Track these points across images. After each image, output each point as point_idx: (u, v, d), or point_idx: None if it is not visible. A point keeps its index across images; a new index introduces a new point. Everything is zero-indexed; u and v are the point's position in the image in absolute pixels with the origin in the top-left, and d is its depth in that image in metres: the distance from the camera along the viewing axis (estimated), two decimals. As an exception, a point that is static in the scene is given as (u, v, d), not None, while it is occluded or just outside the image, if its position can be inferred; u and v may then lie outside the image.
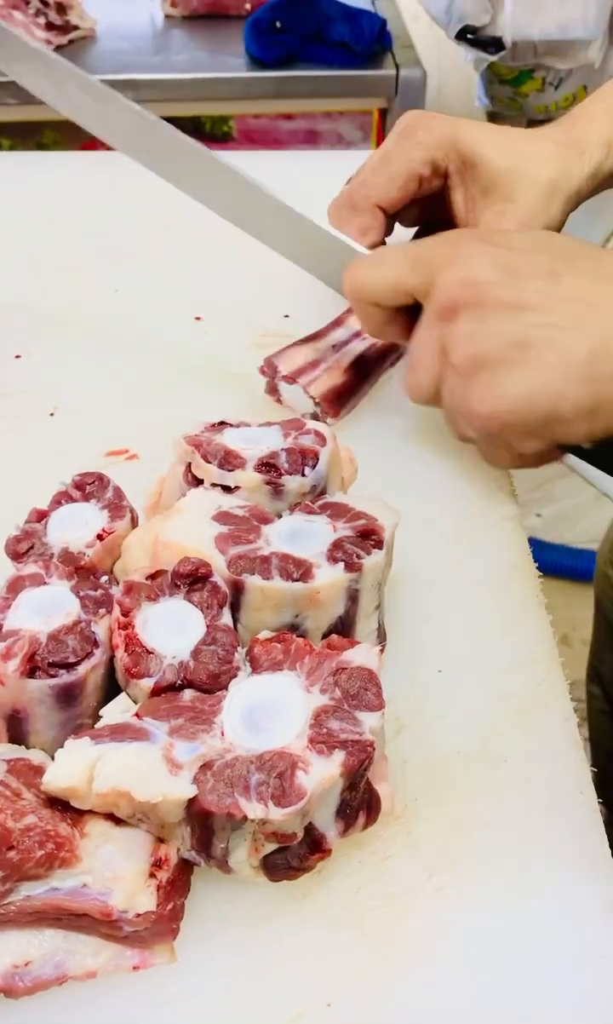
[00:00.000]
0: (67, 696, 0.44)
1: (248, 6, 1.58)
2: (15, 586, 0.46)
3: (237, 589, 0.47)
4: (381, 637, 0.51)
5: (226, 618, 0.46)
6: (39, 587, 0.46)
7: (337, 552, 0.48)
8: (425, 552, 0.57)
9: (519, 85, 1.66)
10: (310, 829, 0.42)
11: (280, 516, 0.51)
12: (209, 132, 1.81)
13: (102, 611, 0.46)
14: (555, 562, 1.75)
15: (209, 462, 0.52)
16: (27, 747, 0.45)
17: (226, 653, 0.45)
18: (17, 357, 0.72)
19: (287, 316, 0.75)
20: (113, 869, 0.41)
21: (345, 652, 0.44)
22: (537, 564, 0.58)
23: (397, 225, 0.69)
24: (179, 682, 0.44)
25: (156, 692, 0.44)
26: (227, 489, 0.51)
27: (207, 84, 1.48)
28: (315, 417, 0.65)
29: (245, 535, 0.48)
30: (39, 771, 0.43)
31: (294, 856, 0.42)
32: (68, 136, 1.71)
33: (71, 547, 0.49)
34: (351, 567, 0.47)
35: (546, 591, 0.57)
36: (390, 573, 0.51)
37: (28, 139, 1.67)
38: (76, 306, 0.77)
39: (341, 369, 0.66)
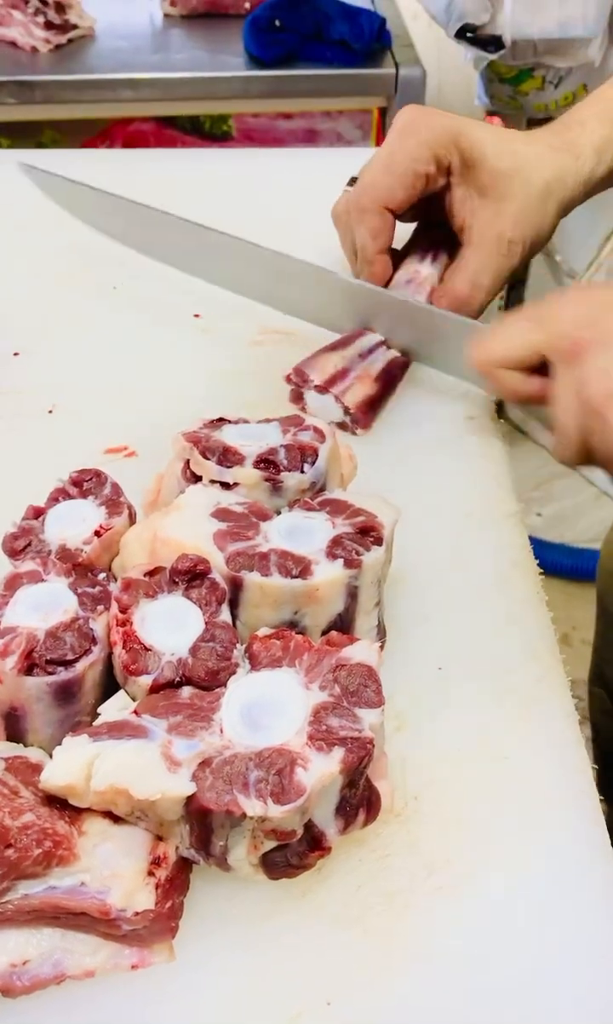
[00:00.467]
0: (65, 693, 0.44)
1: (247, 5, 1.58)
2: (13, 583, 0.46)
3: (236, 586, 0.47)
4: (381, 634, 0.51)
5: (225, 615, 0.46)
6: (37, 584, 0.46)
7: (336, 549, 0.48)
8: (425, 549, 0.57)
9: (519, 84, 1.66)
10: (309, 826, 0.41)
11: (279, 513, 0.50)
12: (208, 131, 1.81)
13: (100, 608, 0.46)
14: (555, 561, 1.75)
15: (208, 459, 0.51)
16: (25, 745, 0.45)
17: (225, 650, 0.44)
18: (16, 355, 0.72)
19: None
20: (111, 867, 0.41)
21: (344, 649, 0.44)
22: (538, 564, 0.58)
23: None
24: (178, 679, 0.44)
25: (154, 689, 0.44)
26: (226, 486, 0.51)
27: (206, 83, 1.48)
28: (343, 427, 0.65)
29: (244, 532, 0.48)
30: (37, 769, 0.42)
31: (293, 854, 0.42)
32: (68, 136, 1.71)
33: (68, 544, 0.48)
34: (350, 564, 0.47)
35: (546, 590, 0.57)
36: (390, 570, 0.51)
37: (28, 139, 1.67)
38: (75, 304, 0.77)
39: (371, 378, 0.65)
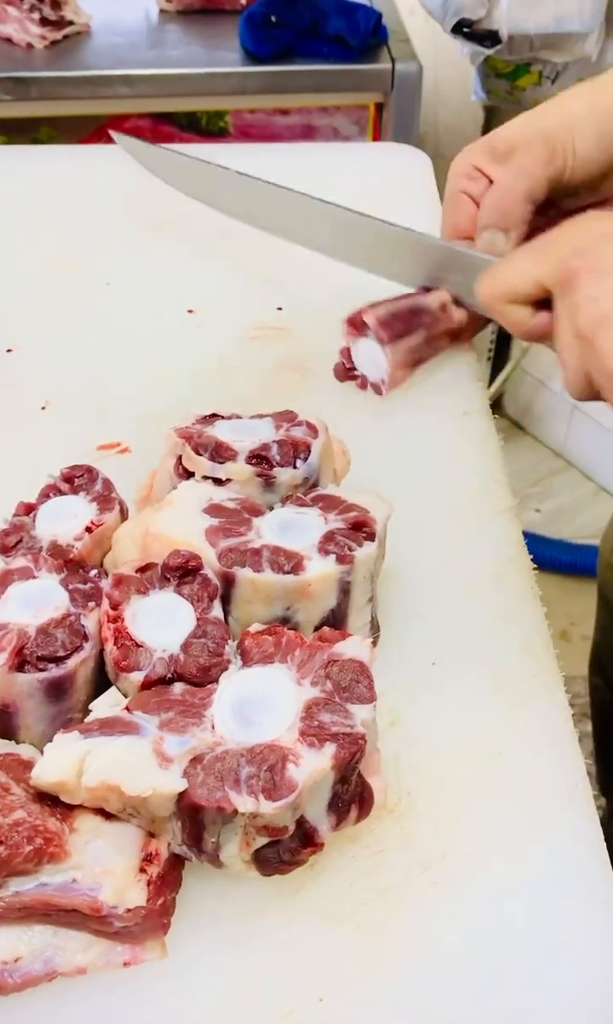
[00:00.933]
0: (56, 690, 0.44)
1: (243, 0, 1.58)
2: (4, 580, 0.46)
3: (228, 582, 0.46)
4: (374, 630, 0.51)
5: (217, 611, 0.46)
6: (28, 580, 0.46)
7: (328, 544, 0.47)
8: (419, 545, 0.57)
9: (516, 79, 1.65)
10: (302, 823, 0.41)
11: (272, 508, 0.50)
12: (205, 127, 1.80)
13: (92, 604, 0.45)
14: (554, 557, 1.75)
15: (200, 454, 0.51)
16: (16, 742, 0.45)
17: (216, 646, 0.44)
18: (9, 351, 0.72)
19: (280, 309, 0.74)
20: (103, 864, 0.40)
21: (336, 644, 0.44)
22: (536, 559, 0.58)
23: None
24: (169, 675, 0.44)
25: (146, 685, 0.44)
26: (218, 482, 0.51)
27: (202, 79, 1.47)
28: (372, 386, 0.67)
29: (236, 528, 0.48)
30: (28, 766, 0.42)
31: (286, 850, 0.42)
32: (64, 133, 1.71)
33: (60, 540, 0.48)
34: (342, 559, 0.47)
35: (545, 586, 0.57)
36: (383, 566, 0.51)
37: (24, 135, 1.67)
38: (68, 300, 0.77)
39: (424, 340, 0.66)
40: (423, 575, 0.56)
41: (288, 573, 0.46)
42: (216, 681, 0.43)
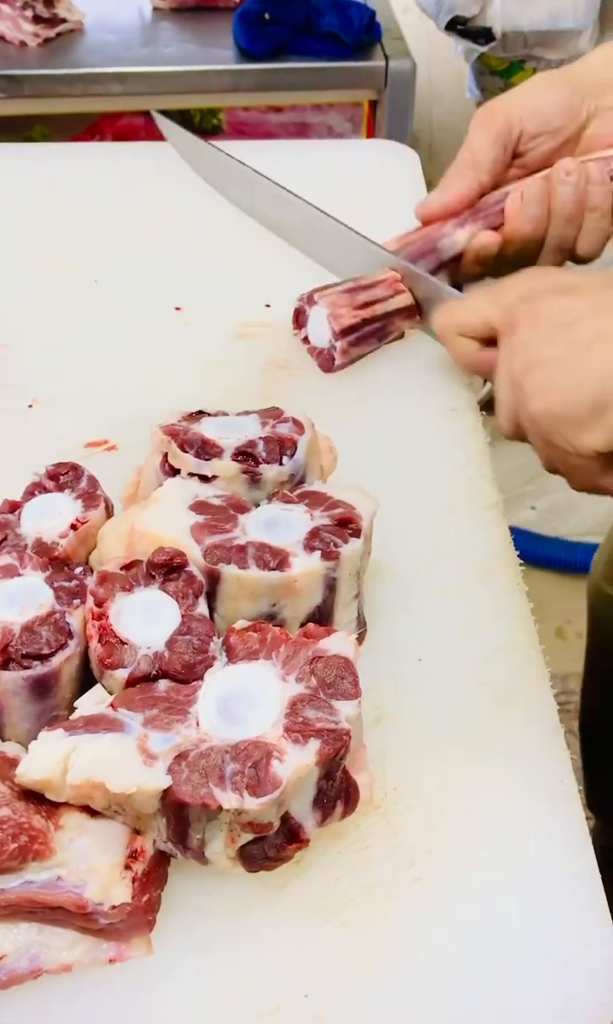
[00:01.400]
0: (41, 688, 0.44)
1: (236, -2, 1.57)
2: (-11, 577, 0.46)
3: (213, 579, 0.46)
4: (361, 626, 0.51)
5: (202, 608, 0.46)
6: (13, 578, 0.46)
7: (314, 541, 0.47)
8: (406, 541, 0.57)
9: (510, 76, 1.65)
10: (287, 819, 0.41)
11: (258, 505, 0.50)
12: (198, 125, 1.80)
13: (76, 602, 0.45)
14: (549, 555, 1.74)
15: (186, 451, 0.51)
16: (1, 739, 0.45)
17: (201, 643, 0.44)
18: (-2, 349, 0.72)
19: (268, 306, 0.74)
20: (88, 861, 0.40)
21: (321, 640, 0.44)
22: (531, 557, 0.58)
23: None
24: (154, 672, 0.44)
25: (131, 683, 0.44)
26: (204, 478, 0.51)
27: (196, 77, 1.47)
28: (323, 361, 0.68)
29: (221, 524, 0.48)
30: (13, 763, 0.42)
31: (271, 846, 0.42)
32: (58, 131, 1.71)
33: (45, 537, 0.48)
34: (328, 555, 0.47)
35: (540, 584, 0.57)
36: (369, 562, 0.51)
37: (17, 133, 1.66)
38: (56, 298, 0.77)
39: (368, 313, 0.68)
40: (410, 571, 0.56)
41: (273, 569, 0.46)
42: (201, 678, 0.43)
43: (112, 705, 0.42)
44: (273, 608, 0.47)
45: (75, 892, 0.40)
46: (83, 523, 0.49)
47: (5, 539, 0.48)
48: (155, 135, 0.92)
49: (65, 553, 0.48)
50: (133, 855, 0.41)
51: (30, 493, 0.50)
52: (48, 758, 0.40)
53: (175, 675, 0.43)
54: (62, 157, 0.96)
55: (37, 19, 1.48)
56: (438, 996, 0.41)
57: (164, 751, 0.41)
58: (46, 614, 0.45)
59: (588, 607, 1.06)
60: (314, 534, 0.48)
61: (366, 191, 0.86)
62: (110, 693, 0.44)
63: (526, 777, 0.47)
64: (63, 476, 0.51)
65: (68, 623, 0.45)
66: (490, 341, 0.61)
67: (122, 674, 0.43)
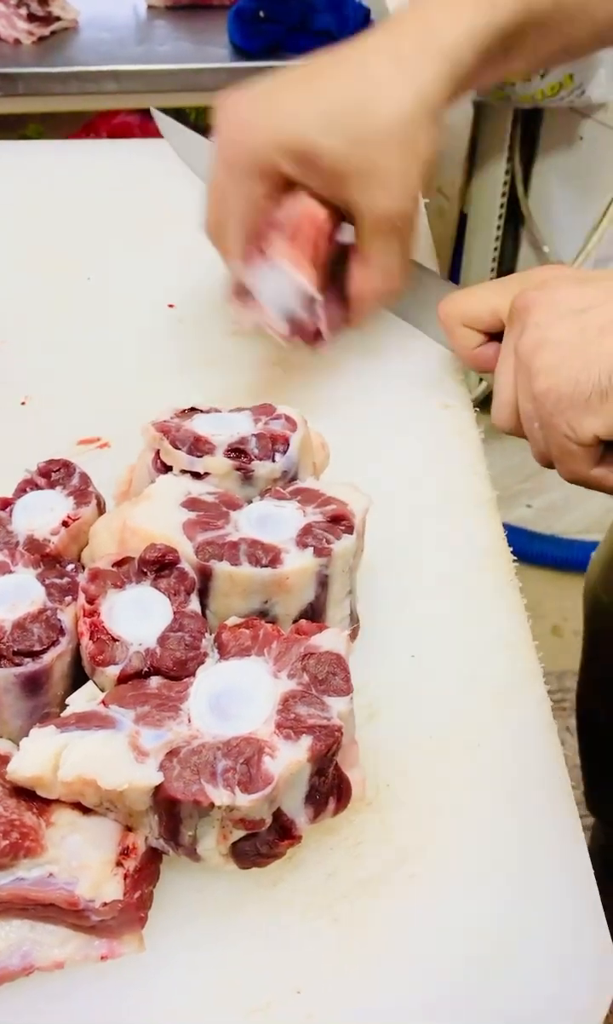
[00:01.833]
0: (33, 685, 0.44)
1: (231, -4, 1.57)
2: (-20, 574, 0.46)
3: (205, 575, 0.46)
4: (354, 623, 0.51)
5: (194, 604, 0.45)
6: (4, 575, 0.46)
7: (306, 537, 0.47)
8: (399, 537, 0.57)
9: (505, 74, 1.65)
10: (279, 815, 0.41)
11: (250, 502, 0.50)
12: (194, 123, 1.79)
13: (68, 599, 0.45)
14: (546, 553, 1.75)
15: (178, 448, 0.51)
16: (-7, 737, 0.45)
17: (193, 640, 0.44)
18: (-9, 346, 0.72)
19: (262, 303, 0.74)
20: (80, 858, 0.40)
21: (313, 637, 0.44)
22: (528, 555, 0.58)
23: None
24: (146, 669, 0.44)
25: (123, 679, 0.43)
26: (197, 475, 0.51)
27: (191, 75, 1.47)
28: (299, 329, 0.60)
29: (214, 521, 0.48)
30: (4, 760, 0.42)
31: (263, 843, 0.41)
32: (52, 129, 1.70)
33: (36, 535, 0.48)
34: (320, 552, 0.47)
35: (536, 582, 0.57)
36: (362, 558, 0.51)
37: (11, 132, 1.66)
38: (48, 295, 0.76)
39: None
40: (403, 568, 0.56)
41: (266, 566, 0.46)
42: (193, 675, 0.43)
43: (104, 702, 0.42)
44: (265, 605, 0.47)
45: (67, 889, 0.40)
46: (75, 520, 0.49)
47: (-4, 536, 0.48)
48: (150, 133, 0.92)
49: (57, 550, 0.48)
50: (125, 852, 0.41)
51: (21, 490, 0.50)
52: (39, 755, 0.40)
53: (167, 672, 0.43)
54: (57, 155, 0.96)
55: (31, 17, 1.48)
56: (430, 992, 0.41)
57: (156, 748, 0.41)
58: (38, 611, 0.44)
59: (585, 616, 1.05)
60: (306, 531, 0.48)
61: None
62: (102, 690, 0.44)
63: (519, 773, 0.47)
64: (55, 473, 0.51)
65: (60, 620, 0.45)
66: (493, 336, 0.60)
67: (114, 671, 0.43)
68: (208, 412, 0.54)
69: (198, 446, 0.51)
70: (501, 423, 0.57)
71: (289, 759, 0.40)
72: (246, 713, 0.42)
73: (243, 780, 0.39)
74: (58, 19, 1.50)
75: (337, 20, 1.46)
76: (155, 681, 0.43)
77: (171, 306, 0.75)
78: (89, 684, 0.44)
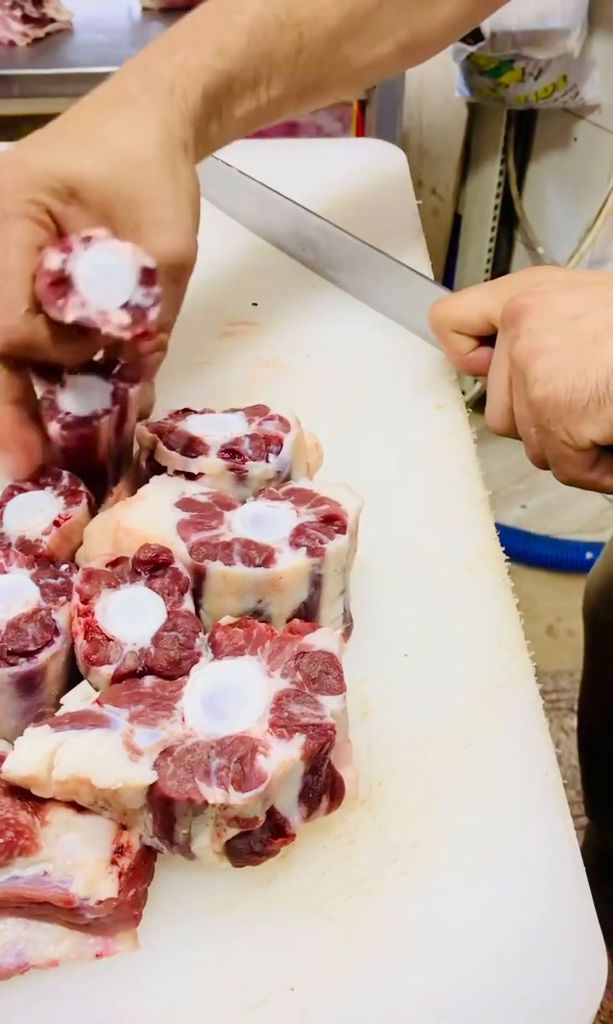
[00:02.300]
0: (27, 684, 0.44)
1: (225, -2, 1.57)
2: (-25, 575, 0.46)
3: (199, 575, 0.47)
4: (347, 622, 0.51)
5: (188, 604, 0.46)
6: (-1, 576, 0.46)
7: (300, 537, 0.48)
8: (392, 537, 0.57)
9: (499, 75, 1.66)
10: (272, 813, 0.41)
11: (244, 502, 0.50)
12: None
13: (62, 599, 0.46)
14: (540, 553, 1.75)
15: (172, 449, 0.51)
16: (-12, 736, 0.45)
17: (187, 639, 0.44)
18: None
19: (255, 304, 0.74)
20: (74, 857, 0.41)
21: (306, 636, 0.44)
22: (523, 555, 0.58)
23: None
24: (140, 669, 0.44)
25: (117, 679, 0.44)
26: (191, 476, 0.51)
27: (185, 76, 1.47)
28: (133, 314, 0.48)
29: (207, 521, 0.48)
30: (-1, 759, 0.42)
31: (257, 841, 0.42)
32: (47, 130, 1.70)
33: (28, 535, 0.48)
34: (313, 552, 0.47)
35: (531, 582, 0.57)
36: (355, 558, 0.51)
37: (6, 133, 1.66)
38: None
39: None
40: (396, 567, 0.56)
41: (259, 566, 0.46)
42: (187, 674, 0.44)
43: (98, 701, 0.42)
44: (259, 604, 0.47)
45: (61, 887, 0.40)
46: (66, 520, 0.49)
47: (-11, 537, 0.48)
48: (143, 134, 0.91)
49: (49, 550, 0.48)
50: (119, 850, 0.41)
51: (11, 492, 0.51)
52: (34, 754, 0.40)
53: (161, 671, 0.44)
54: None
55: (26, 19, 1.48)
56: (423, 989, 0.41)
57: (150, 747, 0.41)
58: (32, 611, 0.45)
59: (585, 630, 1.05)
60: (300, 531, 0.48)
61: (354, 190, 0.86)
62: (96, 689, 0.44)
63: (511, 772, 0.48)
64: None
65: (54, 620, 0.45)
66: (484, 340, 0.61)
67: (108, 670, 0.44)
68: (202, 413, 0.54)
69: (192, 447, 0.51)
70: (495, 426, 0.57)
71: (282, 758, 0.40)
72: (240, 712, 0.42)
73: (237, 778, 0.39)
74: (52, 21, 1.51)
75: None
76: (149, 680, 0.44)
77: (165, 307, 0.75)
78: (83, 684, 0.45)
